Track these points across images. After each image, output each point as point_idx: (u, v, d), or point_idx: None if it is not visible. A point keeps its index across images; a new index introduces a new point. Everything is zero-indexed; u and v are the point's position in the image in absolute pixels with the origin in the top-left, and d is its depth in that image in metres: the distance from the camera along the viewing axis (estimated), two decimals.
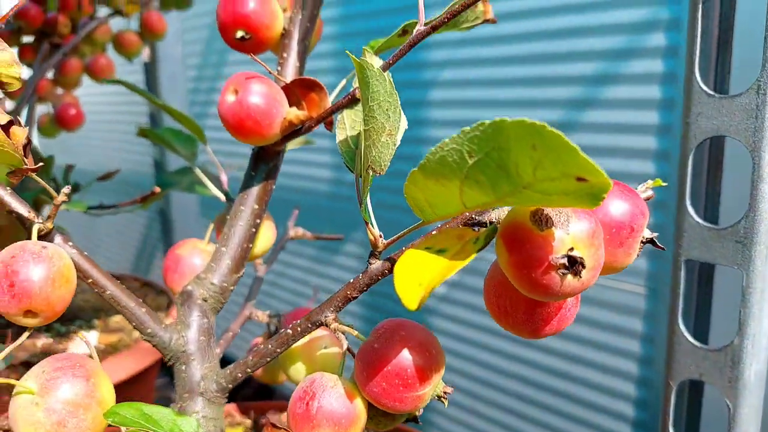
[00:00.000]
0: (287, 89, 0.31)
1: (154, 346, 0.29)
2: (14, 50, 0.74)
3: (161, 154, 1.14)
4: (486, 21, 0.33)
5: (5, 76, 0.28)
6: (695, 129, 0.32)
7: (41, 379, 0.23)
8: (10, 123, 0.25)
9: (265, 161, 0.33)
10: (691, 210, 0.34)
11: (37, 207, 0.51)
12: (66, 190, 0.25)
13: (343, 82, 0.32)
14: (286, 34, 0.33)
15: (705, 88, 0.32)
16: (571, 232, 0.20)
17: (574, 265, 0.19)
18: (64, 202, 0.26)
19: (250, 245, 0.32)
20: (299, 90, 0.31)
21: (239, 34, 0.31)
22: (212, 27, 0.99)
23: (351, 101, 0.28)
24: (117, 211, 0.55)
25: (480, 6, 0.32)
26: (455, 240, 0.21)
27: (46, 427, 0.22)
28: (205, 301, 0.31)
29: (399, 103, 0.23)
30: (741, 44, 0.35)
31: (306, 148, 0.58)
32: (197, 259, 0.34)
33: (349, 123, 0.28)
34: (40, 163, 0.25)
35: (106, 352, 0.58)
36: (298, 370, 0.30)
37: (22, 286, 0.22)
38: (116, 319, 0.67)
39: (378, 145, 0.23)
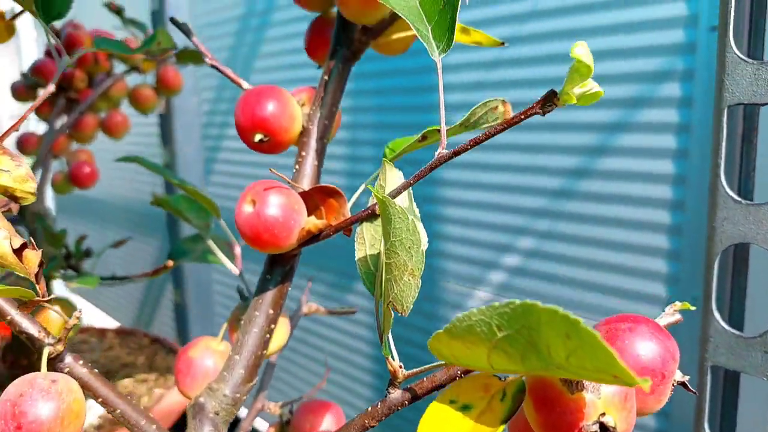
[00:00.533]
0: (306, 195, 0.30)
1: None
2: (30, 104, 0.75)
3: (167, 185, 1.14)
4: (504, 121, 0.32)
5: (20, 191, 0.28)
6: (721, 234, 0.31)
7: None
8: (23, 246, 0.25)
9: (281, 265, 0.32)
10: (717, 314, 0.33)
11: (48, 281, 0.50)
12: (78, 313, 0.25)
13: (360, 189, 0.32)
14: (304, 132, 0.33)
15: (731, 193, 0.31)
16: (602, 395, 0.19)
17: (605, 431, 0.19)
18: (77, 319, 0.26)
19: (264, 351, 0.32)
20: (318, 196, 0.30)
21: (258, 137, 0.31)
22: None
23: (371, 216, 0.27)
24: (127, 282, 0.54)
25: (500, 107, 0.31)
26: (481, 392, 0.21)
27: None
28: (217, 414, 0.30)
29: (421, 243, 0.22)
30: (765, 148, 0.35)
31: None
32: (209, 361, 0.33)
33: (368, 238, 0.27)
34: (52, 296, 0.24)
35: None
36: None
37: (29, 428, 0.22)
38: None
39: (400, 283, 0.22)
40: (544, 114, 0.23)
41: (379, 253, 0.27)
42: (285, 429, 0.38)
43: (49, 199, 0.82)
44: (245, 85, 0.34)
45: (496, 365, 0.19)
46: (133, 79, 0.74)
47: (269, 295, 0.32)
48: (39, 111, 0.75)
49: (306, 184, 0.33)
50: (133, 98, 0.72)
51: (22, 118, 0.30)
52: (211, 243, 0.49)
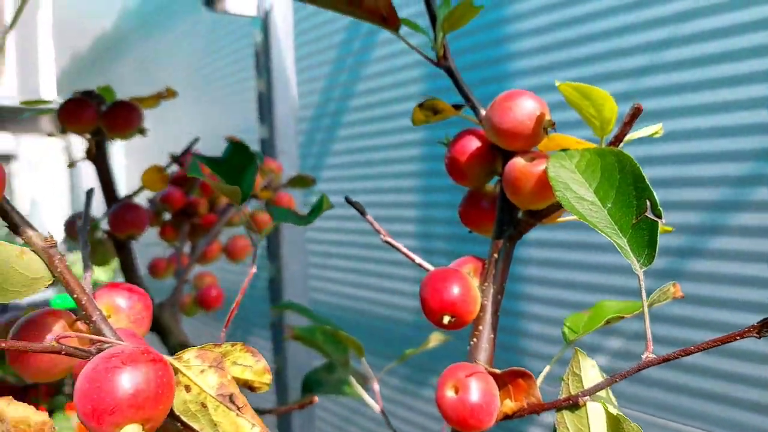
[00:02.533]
0: (497, 377, 0.33)
1: None
2: (156, 229, 0.82)
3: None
4: (675, 299, 0.35)
5: (258, 383, 0.31)
6: None
7: None
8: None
9: None
10: None
11: None
12: None
13: (544, 372, 0.34)
14: (481, 308, 0.36)
15: None
16: None
17: None
18: None
19: None
20: (507, 377, 0.33)
21: (446, 319, 0.34)
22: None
23: (572, 406, 0.30)
24: (272, 413, 0.57)
25: (671, 288, 0.34)
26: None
27: None
28: None
29: None
30: None
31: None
32: None
33: (572, 429, 0.29)
34: None
35: None
36: None
37: None
38: None
39: None
40: (760, 337, 0.25)
41: None
42: None
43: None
44: (428, 266, 0.37)
45: None
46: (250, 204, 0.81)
47: None
48: (164, 234, 0.82)
49: (483, 358, 0.36)
50: (252, 222, 0.78)
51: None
52: (351, 379, 0.52)
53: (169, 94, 0.65)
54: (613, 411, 0.25)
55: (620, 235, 0.29)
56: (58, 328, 0.31)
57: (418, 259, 0.39)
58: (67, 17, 3.57)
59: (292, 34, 0.97)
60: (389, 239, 0.40)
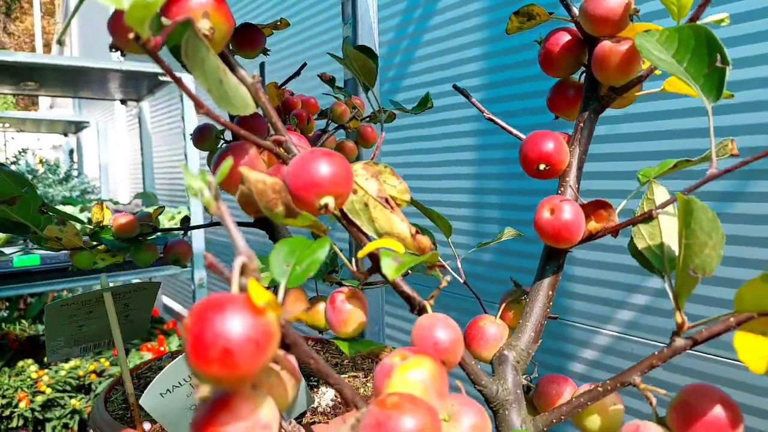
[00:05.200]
0: (583, 207, 0.42)
1: (483, 395, 0.40)
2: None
3: None
4: (732, 155, 0.42)
5: (400, 200, 0.41)
6: None
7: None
8: (417, 231, 0.38)
9: (556, 258, 0.43)
10: None
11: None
12: (447, 278, 0.37)
13: (623, 203, 0.43)
14: (568, 165, 0.45)
15: None
16: None
17: None
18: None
19: (543, 322, 0.42)
20: (591, 207, 0.42)
21: (542, 166, 0.43)
22: None
23: (647, 219, 0.38)
24: None
25: (729, 144, 0.42)
26: None
27: None
28: (518, 362, 0.41)
29: (719, 224, 0.32)
30: None
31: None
32: (493, 329, 0.45)
33: (646, 234, 0.38)
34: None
35: None
36: (593, 421, 0.39)
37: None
38: None
39: (701, 255, 0.32)
40: None
41: (660, 243, 0.37)
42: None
43: None
44: (522, 135, 0.46)
45: None
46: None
47: (547, 281, 0.43)
48: None
49: (570, 195, 0.44)
50: (340, 150, 0.88)
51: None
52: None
53: (283, 24, 0.76)
54: (708, 209, 0.33)
55: (694, 83, 0.37)
56: (254, 150, 0.41)
57: (515, 131, 0.47)
58: None
59: None
60: (492, 117, 0.49)
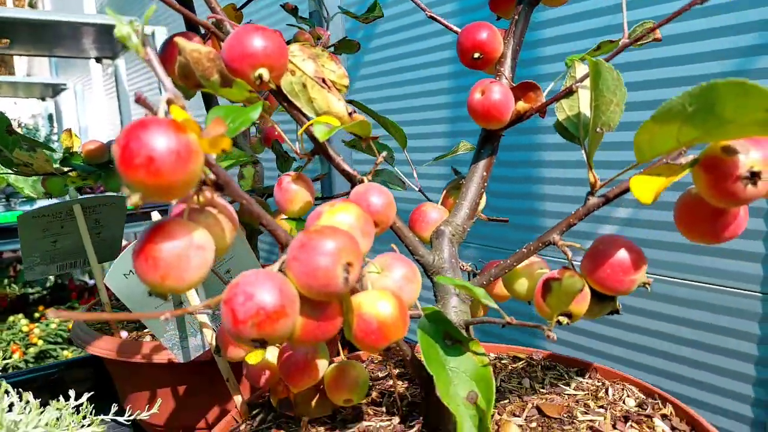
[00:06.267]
0: (513, 89, 0.44)
1: (421, 264, 0.43)
2: None
3: None
4: (654, 40, 0.45)
5: (339, 84, 0.43)
6: None
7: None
8: (351, 112, 0.40)
9: (491, 142, 0.46)
10: None
11: None
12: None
13: (552, 83, 0.45)
14: (502, 55, 0.47)
15: None
16: (750, 156, 0.31)
17: (753, 177, 0.31)
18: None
19: (479, 201, 0.46)
20: (520, 89, 0.44)
21: (476, 55, 0.46)
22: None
23: (568, 94, 0.41)
24: None
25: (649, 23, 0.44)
26: (666, 170, 0.33)
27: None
28: (453, 236, 0.44)
29: (622, 83, 0.35)
30: None
31: None
32: (435, 213, 0.48)
33: (567, 107, 0.41)
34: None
35: None
36: (521, 284, 0.43)
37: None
38: None
39: (607, 113, 0.35)
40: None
41: (578, 113, 0.40)
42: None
43: None
44: (456, 29, 0.48)
45: (682, 137, 0.31)
46: None
47: (482, 163, 0.46)
48: None
49: (504, 81, 0.47)
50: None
51: None
52: (397, 171, 0.64)
53: None
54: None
55: None
56: (197, 38, 0.43)
57: (455, 27, 0.50)
58: None
59: None
60: (433, 15, 0.51)
